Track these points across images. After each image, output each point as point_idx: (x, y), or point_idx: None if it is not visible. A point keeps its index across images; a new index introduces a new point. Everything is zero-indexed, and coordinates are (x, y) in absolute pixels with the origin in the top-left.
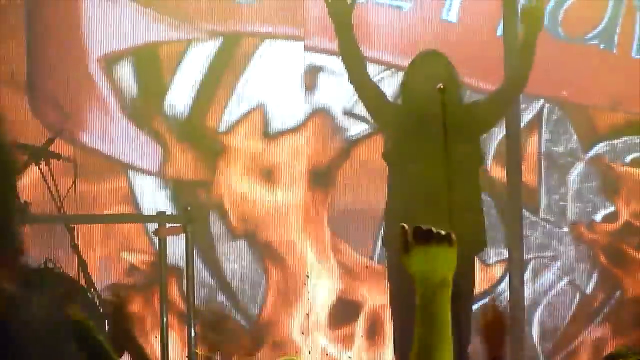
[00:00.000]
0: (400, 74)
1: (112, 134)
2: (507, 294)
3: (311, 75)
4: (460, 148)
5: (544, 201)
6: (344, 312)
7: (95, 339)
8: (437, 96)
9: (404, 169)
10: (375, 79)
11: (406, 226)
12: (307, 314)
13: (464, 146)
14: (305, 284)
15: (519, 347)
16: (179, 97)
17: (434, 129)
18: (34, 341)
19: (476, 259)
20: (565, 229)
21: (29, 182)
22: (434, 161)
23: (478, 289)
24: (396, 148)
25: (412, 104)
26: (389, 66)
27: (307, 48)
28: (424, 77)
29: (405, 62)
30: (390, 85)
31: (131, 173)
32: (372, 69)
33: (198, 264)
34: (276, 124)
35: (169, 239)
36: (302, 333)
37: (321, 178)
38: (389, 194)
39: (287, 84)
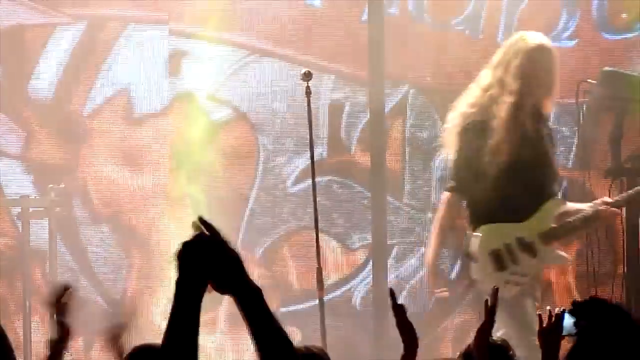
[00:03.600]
0: (266, 59)
1: None
2: (370, 279)
3: (175, 60)
4: None
5: (407, 187)
6: (206, 296)
7: None
8: None
9: None
10: (238, 64)
11: None
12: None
13: None
14: (168, 268)
15: (382, 332)
16: (44, 81)
17: None
18: None
19: (339, 243)
20: (429, 215)
21: None
22: None
23: (341, 273)
24: None
25: None
26: (252, 51)
27: (171, 32)
28: None
29: (269, 47)
30: (254, 70)
31: None
32: (235, 54)
33: (62, 248)
34: (140, 108)
35: (33, 222)
36: (165, 318)
37: (185, 162)
38: None
39: (151, 68)
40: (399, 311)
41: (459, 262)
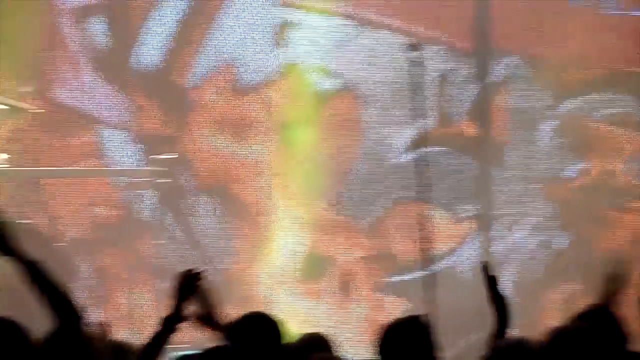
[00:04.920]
0: (373, 30)
1: (82, 88)
2: (477, 250)
3: (284, 30)
4: None
5: (514, 157)
6: (314, 266)
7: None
8: None
9: None
10: (345, 36)
11: None
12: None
13: None
14: (275, 238)
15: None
16: (149, 52)
17: None
18: None
19: (445, 214)
20: (536, 185)
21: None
22: None
23: (447, 244)
24: None
25: None
26: (360, 22)
27: (282, 3)
28: None
29: (377, 18)
30: (361, 41)
31: (100, 127)
32: (342, 26)
33: (167, 218)
34: (247, 79)
35: (139, 193)
36: (269, 289)
37: (292, 133)
38: None
39: (259, 39)
40: (491, 284)
41: None
